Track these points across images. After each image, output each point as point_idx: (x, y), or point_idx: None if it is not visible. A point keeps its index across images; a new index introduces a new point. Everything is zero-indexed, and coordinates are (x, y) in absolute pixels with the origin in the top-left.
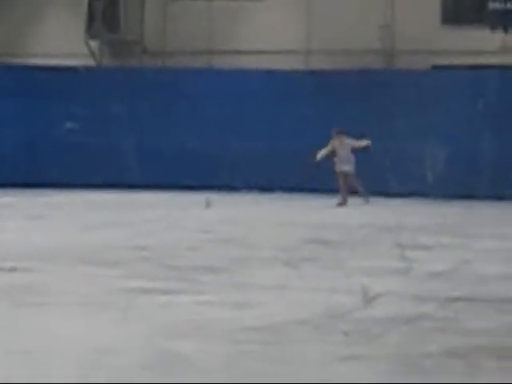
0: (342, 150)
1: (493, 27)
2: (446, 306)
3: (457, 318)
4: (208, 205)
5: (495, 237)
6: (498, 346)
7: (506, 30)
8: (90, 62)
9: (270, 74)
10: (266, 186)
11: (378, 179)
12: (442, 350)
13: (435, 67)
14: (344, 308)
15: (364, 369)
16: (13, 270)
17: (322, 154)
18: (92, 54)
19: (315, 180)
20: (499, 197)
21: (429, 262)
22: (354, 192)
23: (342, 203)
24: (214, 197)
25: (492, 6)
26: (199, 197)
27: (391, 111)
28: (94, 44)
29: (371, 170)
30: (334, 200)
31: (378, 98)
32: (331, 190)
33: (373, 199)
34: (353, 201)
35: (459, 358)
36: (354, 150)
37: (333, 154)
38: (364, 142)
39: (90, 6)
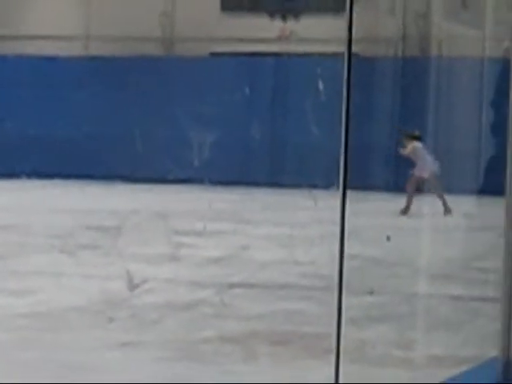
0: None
1: (272, 15)
2: (222, 292)
3: (233, 304)
4: None
5: (271, 223)
6: (272, 332)
7: (284, 18)
8: None
9: (48, 59)
10: (46, 173)
11: (152, 165)
12: (219, 335)
13: (213, 54)
14: (120, 295)
15: (140, 355)
16: None
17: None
18: None
19: (94, 167)
20: (276, 184)
21: (204, 249)
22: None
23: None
24: None
25: None
26: None
27: (169, 99)
28: None
29: (150, 157)
30: (110, 187)
31: (156, 85)
32: (107, 177)
33: (148, 186)
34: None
35: (235, 344)
36: None
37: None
38: None
39: None
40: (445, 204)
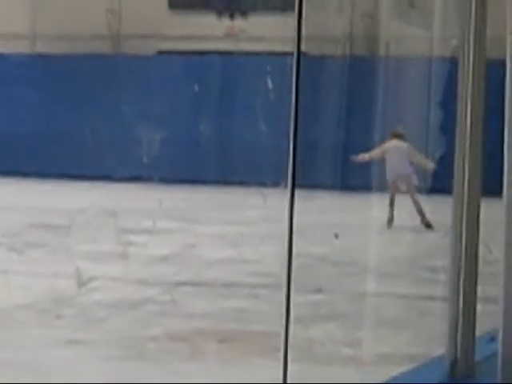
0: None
1: (219, 14)
2: (169, 290)
3: (180, 302)
4: None
5: (220, 221)
6: (219, 329)
7: (231, 16)
8: None
9: None
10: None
11: (99, 163)
12: (166, 333)
13: (161, 52)
14: (67, 293)
15: (86, 353)
16: None
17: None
18: None
19: (40, 165)
20: (225, 182)
21: (152, 247)
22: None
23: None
24: None
25: None
26: None
27: (116, 97)
28: None
29: (92, 154)
30: (58, 186)
31: (103, 83)
32: (55, 175)
33: (97, 183)
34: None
35: (183, 342)
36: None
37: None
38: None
39: None
40: (420, 212)
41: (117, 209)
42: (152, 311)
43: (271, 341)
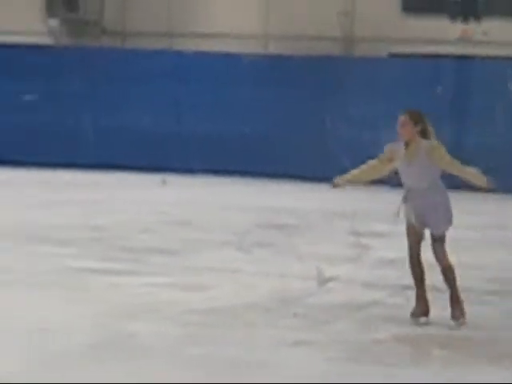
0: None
1: (452, 17)
2: (396, 293)
3: (406, 306)
4: (164, 182)
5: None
6: (443, 335)
7: (465, 20)
8: (49, 41)
9: (227, 56)
10: (220, 169)
11: (333, 165)
12: (391, 336)
13: (392, 55)
14: (295, 293)
15: (313, 354)
16: None
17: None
18: (51, 32)
19: (270, 166)
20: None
21: (379, 250)
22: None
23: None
24: (168, 178)
25: None
26: (154, 178)
27: (347, 98)
28: (53, 22)
29: (327, 156)
30: (287, 185)
31: (333, 85)
32: (284, 175)
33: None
34: (307, 186)
35: (407, 346)
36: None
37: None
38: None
39: None
40: None
41: (349, 210)
42: (378, 314)
43: (497, 347)
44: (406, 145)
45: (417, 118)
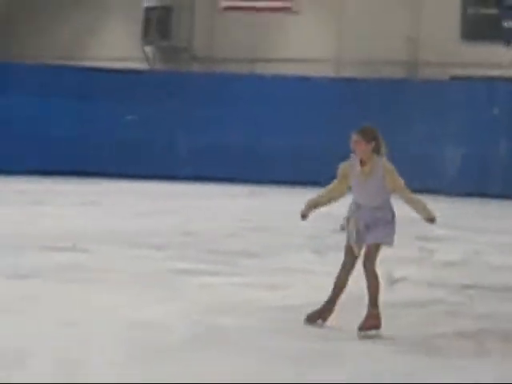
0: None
1: (508, 43)
2: (457, 292)
3: (467, 304)
4: (251, 193)
5: (501, 231)
6: (502, 330)
7: None
8: (145, 66)
9: (303, 79)
10: (295, 180)
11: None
12: (453, 331)
13: (453, 78)
14: (364, 291)
15: (380, 347)
16: (74, 247)
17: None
18: (147, 58)
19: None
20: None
21: (443, 253)
22: None
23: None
24: (254, 189)
25: (506, 24)
26: (241, 188)
27: (411, 118)
28: (148, 49)
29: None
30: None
31: (401, 104)
32: None
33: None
34: None
35: (468, 340)
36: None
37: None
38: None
39: (146, 14)
40: None
41: (413, 216)
42: (440, 310)
43: None
44: (361, 162)
45: (369, 136)
